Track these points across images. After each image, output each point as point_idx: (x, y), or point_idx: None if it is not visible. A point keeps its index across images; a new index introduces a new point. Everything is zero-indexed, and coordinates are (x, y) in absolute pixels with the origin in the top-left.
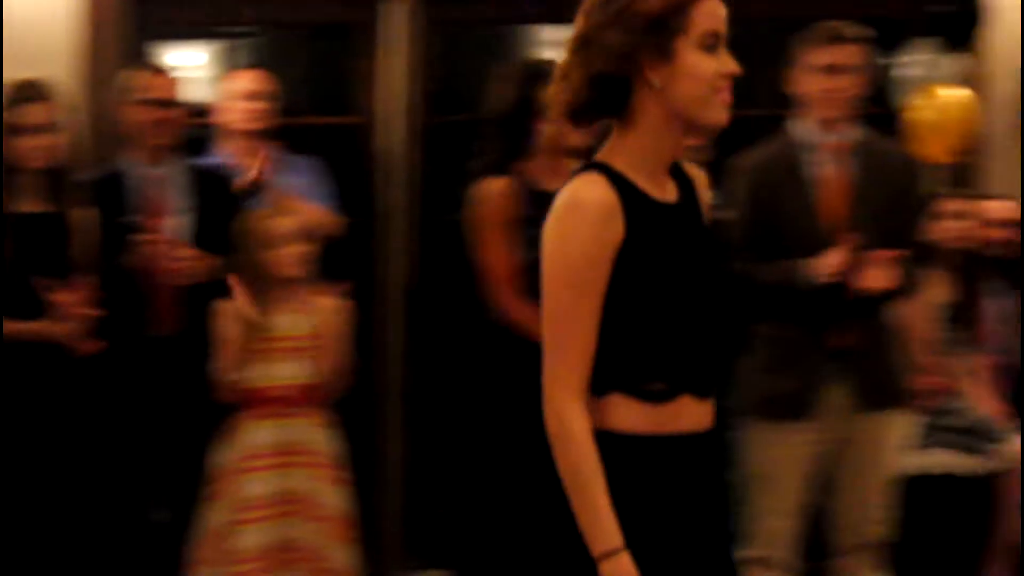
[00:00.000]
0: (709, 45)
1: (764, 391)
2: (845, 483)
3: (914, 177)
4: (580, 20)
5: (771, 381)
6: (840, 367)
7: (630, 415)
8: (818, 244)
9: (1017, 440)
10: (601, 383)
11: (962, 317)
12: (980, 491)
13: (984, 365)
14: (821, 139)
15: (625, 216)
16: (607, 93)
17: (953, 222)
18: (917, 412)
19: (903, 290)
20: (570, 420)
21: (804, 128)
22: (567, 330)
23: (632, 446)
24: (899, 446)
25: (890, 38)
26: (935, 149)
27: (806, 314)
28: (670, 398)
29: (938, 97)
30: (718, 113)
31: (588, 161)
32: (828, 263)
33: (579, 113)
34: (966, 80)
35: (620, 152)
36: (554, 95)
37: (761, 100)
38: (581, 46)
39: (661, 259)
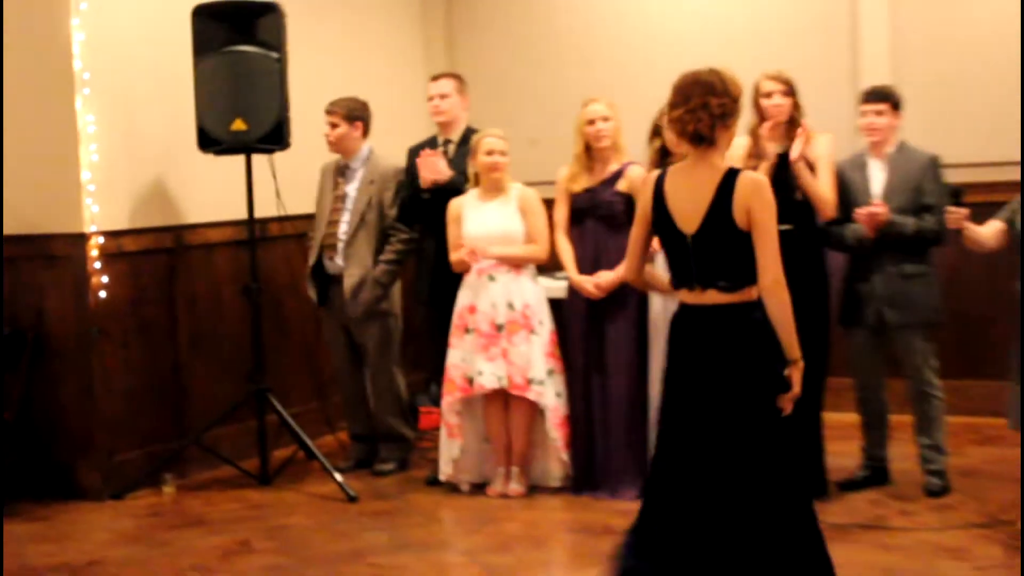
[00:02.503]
0: None
1: None
2: None
3: None
4: (705, 97)
5: None
6: None
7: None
8: None
9: None
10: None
11: None
12: None
13: None
14: None
15: None
16: (713, 131)
17: None
18: None
19: None
20: (785, 286)
21: None
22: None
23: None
24: None
25: None
26: None
27: None
28: None
29: None
30: None
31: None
32: None
33: (700, 139)
34: None
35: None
36: (682, 125)
37: None
38: (702, 108)
39: None
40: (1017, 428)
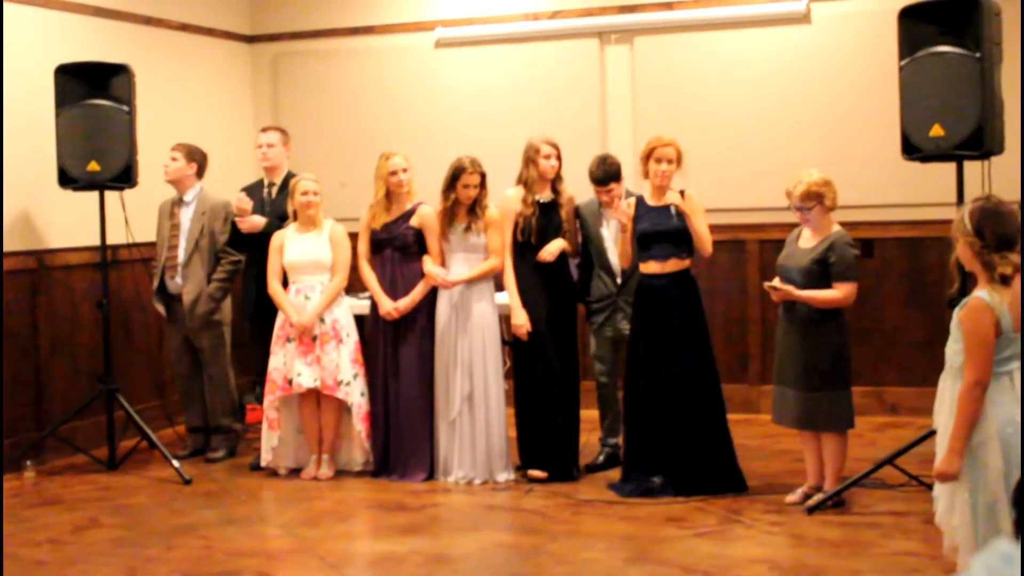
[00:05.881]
0: None
1: None
2: None
3: None
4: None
5: None
6: None
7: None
8: None
9: None
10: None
11: None
12: None
13: None
14: None
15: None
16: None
17: None
18: None
19: None
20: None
21: None
22: None
23: None
24: None
25: None
26: None
27: None
28: None
29: None
30: None
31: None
32: None
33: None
34: None
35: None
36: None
37: None
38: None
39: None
40: (779, 423)
